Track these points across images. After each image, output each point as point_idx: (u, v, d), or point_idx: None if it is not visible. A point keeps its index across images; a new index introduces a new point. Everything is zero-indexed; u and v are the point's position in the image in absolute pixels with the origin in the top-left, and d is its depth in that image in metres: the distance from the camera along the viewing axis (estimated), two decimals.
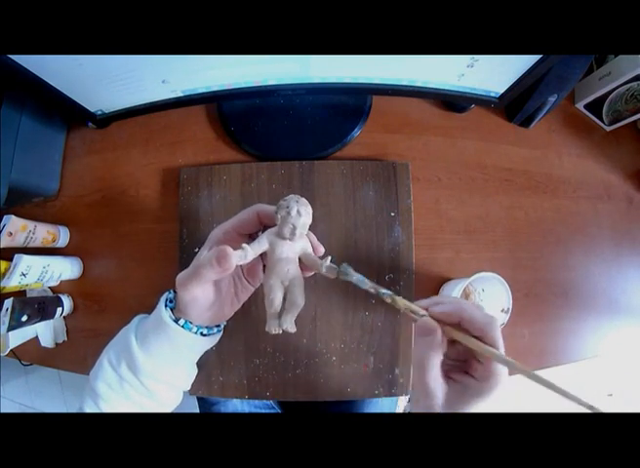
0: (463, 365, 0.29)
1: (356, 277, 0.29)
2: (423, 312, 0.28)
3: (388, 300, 0.28)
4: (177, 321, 0.34)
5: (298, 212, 0.29)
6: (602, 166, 0.57)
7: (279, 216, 0.29)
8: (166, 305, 0.35)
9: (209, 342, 0.37)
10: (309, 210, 0.30)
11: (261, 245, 0.31)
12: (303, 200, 0.30)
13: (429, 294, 0.51)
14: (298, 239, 0.30)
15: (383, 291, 0.29)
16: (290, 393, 0.48)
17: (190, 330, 0.34)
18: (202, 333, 0.36)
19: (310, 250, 0.32)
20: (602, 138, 0.58)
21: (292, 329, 0.30)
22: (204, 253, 0.33)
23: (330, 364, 0.48)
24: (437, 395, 0.27)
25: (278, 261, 0.30)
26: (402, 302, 0.29)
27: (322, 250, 0.33)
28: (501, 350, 0.26)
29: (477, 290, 0.50)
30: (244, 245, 0.30)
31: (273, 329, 0.30)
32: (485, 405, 0.27)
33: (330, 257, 0.30)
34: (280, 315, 0.30)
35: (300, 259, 0.31)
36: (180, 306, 0.34)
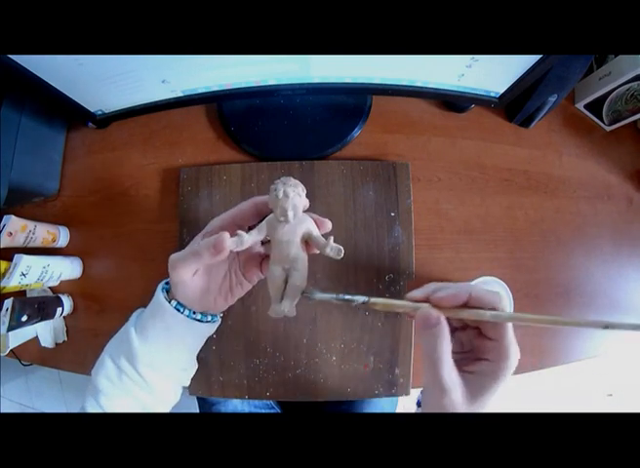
0: (471, 354, 0.29)
1: (320, 295, 0.29)
2: (420, 305, 0.27)
3: (362, 307, 0.28)
4: (170, 301, 0.34)
5: (284, 193, 0.28)
6: (602, 166, 0.56)
7: (270, 201, 0.29)
8: (163, 288, 0.36)
9: (203, 329, 0.37)
10: (299, 189, 0.29)
11: (261, 231, 0.30)
12: (292, 181, 0.29)
13: None
14: (294, 220, 0.29)
15: (357, 297, 0.28)
16: (290, 393, 0.48)
17: (182, 312, 0.34)
18: (196, 319, 0.36)
19: (316, 231, 0.30)
20: (602, 138, 0.58)
21: (291, 313, 0.30)
22: (198, 240, 0.33)
23: (330, 364, 0.48)
24: (454, 389, 0.26)
25: (278, 244, 0.30)
26: (382, 302, 0.27)
27: (329, 225, 0.31)
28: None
29: None
30: (239, 231, 0.30)
31: (274, 313, 0.30)
32: (502, 388, 0.26)
33: (332, 237, 0.29)
34: (282, 299, 0.30)
35: (307, 242, 0.31)
36: (172, 288, 0.34)
